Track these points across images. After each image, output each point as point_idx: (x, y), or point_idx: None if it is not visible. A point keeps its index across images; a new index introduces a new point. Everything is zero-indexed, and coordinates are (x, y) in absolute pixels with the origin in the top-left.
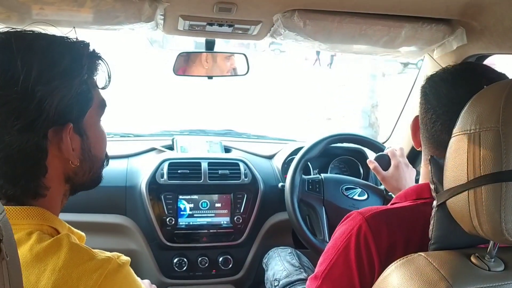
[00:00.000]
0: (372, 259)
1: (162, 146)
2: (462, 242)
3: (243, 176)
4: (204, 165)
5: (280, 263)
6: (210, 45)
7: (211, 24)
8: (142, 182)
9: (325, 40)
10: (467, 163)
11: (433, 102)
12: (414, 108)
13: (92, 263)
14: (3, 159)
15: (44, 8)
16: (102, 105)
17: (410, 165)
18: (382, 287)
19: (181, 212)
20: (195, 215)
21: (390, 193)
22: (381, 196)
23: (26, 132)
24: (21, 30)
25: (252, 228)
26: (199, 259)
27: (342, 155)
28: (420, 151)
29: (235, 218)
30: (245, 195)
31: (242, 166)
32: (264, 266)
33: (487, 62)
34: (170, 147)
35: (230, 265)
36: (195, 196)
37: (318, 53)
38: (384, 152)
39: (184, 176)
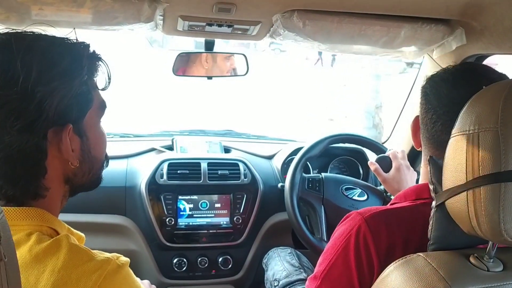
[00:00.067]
0: (371, 260)
1: (162, 147)
2: (461, 242)
3: (242, 177)
4: (204, 165)
5: (280, 263)
6: (209, 46)
7: (210, 25)
8: (142, 183)
9: (325, 40)
10: (466, 164)
11: (433, 102)
12: (414, 108)
13: (91, 264)
14: (2, 160)
15: (44, 8)
16: (102, 106)
17: (411, 168)
18: None
19: (181, 213)
20: (194, 215)
21: (389, 194)
22: (380, 197)
23: (25, 133)
24: (21, 31)
25: (251, 228)
26: (199, 259)
27: (342, 155)
28: (420, 151)
29: (234, 219)
30: (245, 195)
31: (241, 166)
32: (264, 266)
33: (490, 62)
34: (170, 148)
35: (230, 265)
36: (195, 197)
37: (320, 52)
38: (386, 154)
39: (183, 177)
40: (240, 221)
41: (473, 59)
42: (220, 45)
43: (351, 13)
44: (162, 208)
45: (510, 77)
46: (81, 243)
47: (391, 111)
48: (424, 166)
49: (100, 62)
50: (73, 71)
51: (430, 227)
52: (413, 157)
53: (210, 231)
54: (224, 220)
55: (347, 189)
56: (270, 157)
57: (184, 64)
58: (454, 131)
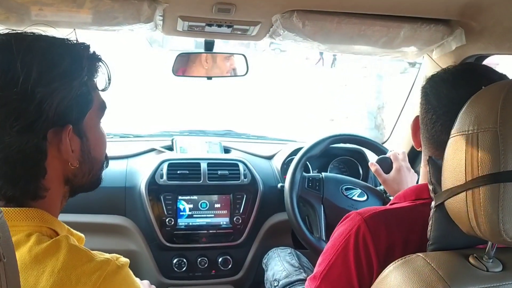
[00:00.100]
0: (371, 260)
1: (162, 147)
2: (460, 242)
3: (242, 177)
4: (204, 165)
5: (279, 264)
6: (209, 46)
7: (210, 25)
8: (142, 183)
9: (324, 40)
10: (465, 164)
11: (433, 103)
12: (414, 108)
13: (91, 264)
14: (2, 160)
15: (43, 9)
16: (102, 107)
17: (412, 169)
18: None
19: (181, 213)
20: (194, 215)
21: (389, 195)
22: (380, 198)
23: (25, 133)
24: (21, 32)
25: (251, 228)
26: (199, 259)
27: (342, 156)
28: (420, 152)
29: (234, 219)
30: (245, 196)
31: (241, 166)
32: (263, 266)
33: (490, 62)
34: (170, 148)
35: (230, 266)
36: (195, 197)
37: (321, 52)
38: (387, 155)
39: (183, 177)
40: (240, 221)
41: (473, 59)
42: (220, 45)
43: (350, 13)
44: (162, 208)
45: (510, 77)
46: (81, 243)
47: (393, 111)
48: (424, 166)
49: (100, 63)
50: (73, 72)
51: (429, 227)
52: (413, 157)
53: (210, 231)
54: (224, 220)
55: (347, 189)
56: (270, 158)
57: (184, 64)
58: (453, 131)
